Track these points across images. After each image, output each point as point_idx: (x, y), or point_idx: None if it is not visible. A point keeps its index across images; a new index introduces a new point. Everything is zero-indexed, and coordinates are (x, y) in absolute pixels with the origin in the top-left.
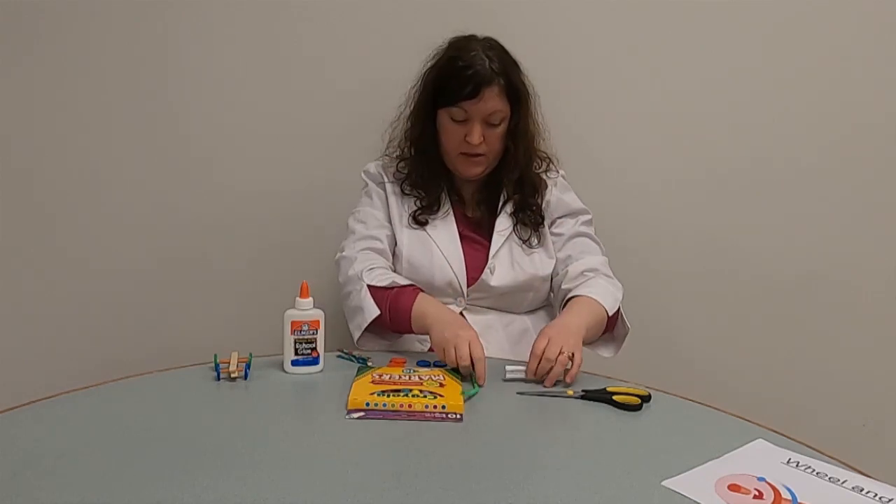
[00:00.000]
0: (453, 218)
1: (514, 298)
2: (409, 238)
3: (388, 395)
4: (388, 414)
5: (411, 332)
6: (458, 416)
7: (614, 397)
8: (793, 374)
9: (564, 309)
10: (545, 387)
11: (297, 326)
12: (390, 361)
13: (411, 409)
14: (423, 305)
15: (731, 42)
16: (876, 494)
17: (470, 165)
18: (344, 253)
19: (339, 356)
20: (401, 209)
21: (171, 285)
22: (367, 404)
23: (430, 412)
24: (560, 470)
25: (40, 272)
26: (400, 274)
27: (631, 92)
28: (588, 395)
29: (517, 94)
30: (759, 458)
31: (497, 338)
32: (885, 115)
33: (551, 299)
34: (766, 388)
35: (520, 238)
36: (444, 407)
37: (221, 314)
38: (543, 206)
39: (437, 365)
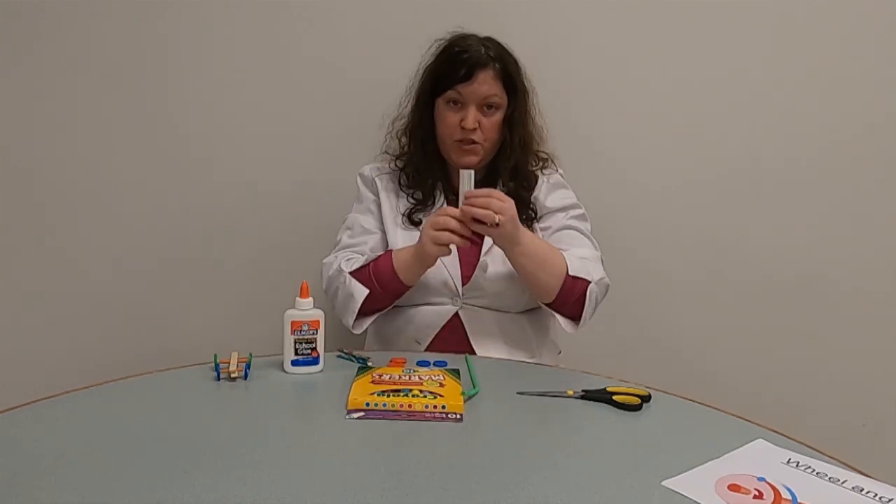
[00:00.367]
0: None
1: (510, 297)
2: (402, 238)
3: (388, 395)
4: (388, 414)
5: (405, 286)
6: (458, 416)
7: (614, 397)
8: (793, 374)
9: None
10: (461, 207)
11: (297, 326)
12: (390, 361)
13: (411, 409)
14: (400, 255)
15: (731, 42)
16: (876, 494)
17: (465, 153)
18: (324, 260)
19: (339, 356)
20: (394, 210)
21: (171, 285)
22: (367, 404)
23: (430, 412)
24: (560, 470)
25: (40, 272)
26: None
27: (632, 92)
28: (588, 395)
29: (513, 83)
30: (759, 458)
31: (493, 337)
32: (886, 115)
33: None
34: (766, 388)
35: None
36: (444, 407)
37: (221, 314)
38: (532, 200)
39: (437, 365)
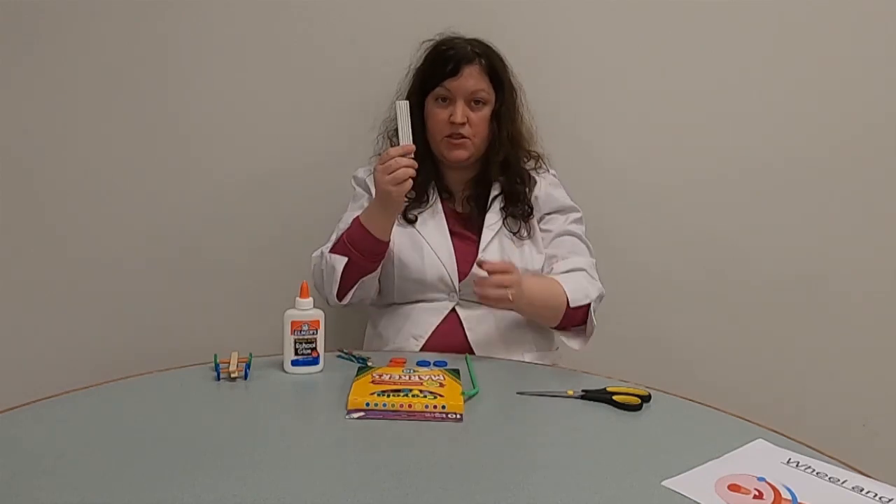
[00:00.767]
0: (442, 214)
1: None
2: (398, 236)
3: (388, 395)
4: (388, 414)
5: (381, 241)
6: (458, 416)
7: (614, 397)
8: (793, 374)
9: (536, 275)
10: (475, 293)
11: (297, 326)
12: (390, 361)
13: (411, 409)
14: (366, 213)
15: (731, 43)
16: (876, 494)
17: (454, 148)
18: (312, 255)
19: (339, 356)
20: None
21: (172, 285)
22: (367, 404)
23: (430, 412)
24: (560, 470)
25: (40, 272)
26: (391, 272)
27: (631, 93)
28: (588, 395)
29: (499, 78)
30: (759, 458)
31: (490, 331)
32: (886, 115)
33: None
34: (766, 388)
35: (510, 231)
36: (444, 407)
37: (221, 314)
38: (532, 200)
39: (437, 365)
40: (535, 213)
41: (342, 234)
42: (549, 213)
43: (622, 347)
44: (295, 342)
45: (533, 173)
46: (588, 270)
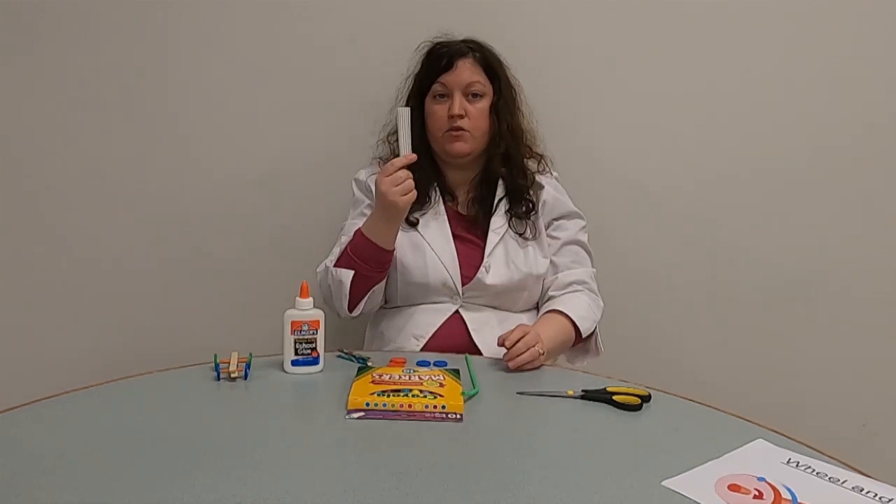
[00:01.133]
0: (445, 217)
1: (509, 297)
2: (400, 240)
3: (388, 395)
4: (388, 414)
5: (386, 251)
6: (458, 416)
7: (614, 397)
8: (793, 374)
9: (542, 319)
10: (509, 368)
11: (297, 326)
12: (390, 361)
13: (411, 409)
14: (368, 224)
15: (730, 43)
16: (876, 494)
17: (454, 141)
18: (317, 269)
19: (339, 356)
20: None
21: (172, 285)
22: (367, 404)
23: (430, 412)
24: (560, 470)
25: (40, 272)
26: (394, 276)
27: (632, 94)
28: (588, 395)
29: (494, 71)
30: (759, 458)
31: (493, 334)
32: (888, 116)
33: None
34: (766, 388)
35: (515, 232)
36: (444, 407)
37: (221, 314)
38: (540, 205)
39: (437, 365)
40: (543, 217)
41: (346, 247)
42: (556, 219)
43: (622, 347)
44: (295, 342)
45: (537, 175)
46: (589, 283)
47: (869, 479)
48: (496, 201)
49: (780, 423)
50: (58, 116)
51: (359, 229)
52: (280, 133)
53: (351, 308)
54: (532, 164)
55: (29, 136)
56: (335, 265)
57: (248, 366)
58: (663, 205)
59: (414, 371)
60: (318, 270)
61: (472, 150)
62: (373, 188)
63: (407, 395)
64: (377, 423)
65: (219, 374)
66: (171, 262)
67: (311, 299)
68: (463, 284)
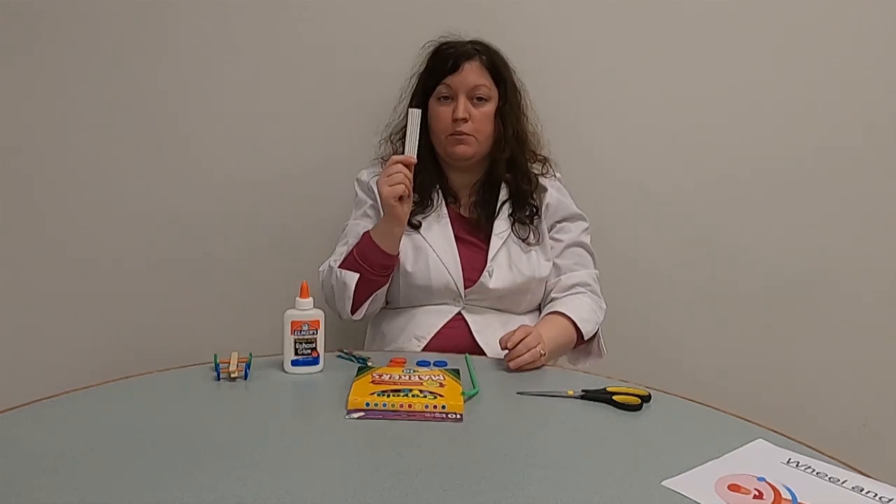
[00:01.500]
0: (448, 220)
1: (512, 300)
2: (403, 242)
3: (388, 395)
4: (388, 414)
5: (390, 255)
6: (458, 416)
7: (614, 397)
8: (793, 375)
9: (544, 320)
10: (510, 369)
11: (297, 326)
12: (390, 361)
13: (411, 409)
14: (375, 228)
15: (732, 45)
16: (876, 494)
17: (458, 144)
18: (319, 269)
19: (339, 356)
20: None
21: (172, 285)
22: (367, 404)
23: (430, 412)
24: (560, 470)
25: (40, 272)
26: (396, 278)
27: (632, 94)
28: (588, 395)
29: (500, 74)
30: (759, 458)
31: (496, 335)
32: (888, 115)
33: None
34: (766, 388)
35: (518, 237)
36: (444, 407)
37: (221, 314)
38: (544, 208)
39: (437, 365)
40: (546, 219)
41: (352, 248)
42: (559, 222)
43: (622, 347)
44: (295, 342)
45: (541, 178)
46: (592, 285)
47: (869, 479)
48: (499, 204)
49: (780, 423)
50: (58, 116)
51: (367, 232)
52: (280, 133)
53: (354, 311)
54: (536, 167)
55: (29, 137)
56: (340, 266)
57: (248, 366)
58: (663, 205)
59: (414, 371)
60: (320, 269)
61: (475, 153)
62: (374, 189)
63: (407, 395)
64: (377, 423)
65: (219, 374)
66: (171, 262)
67: (311, 299)
68: (465, 287)
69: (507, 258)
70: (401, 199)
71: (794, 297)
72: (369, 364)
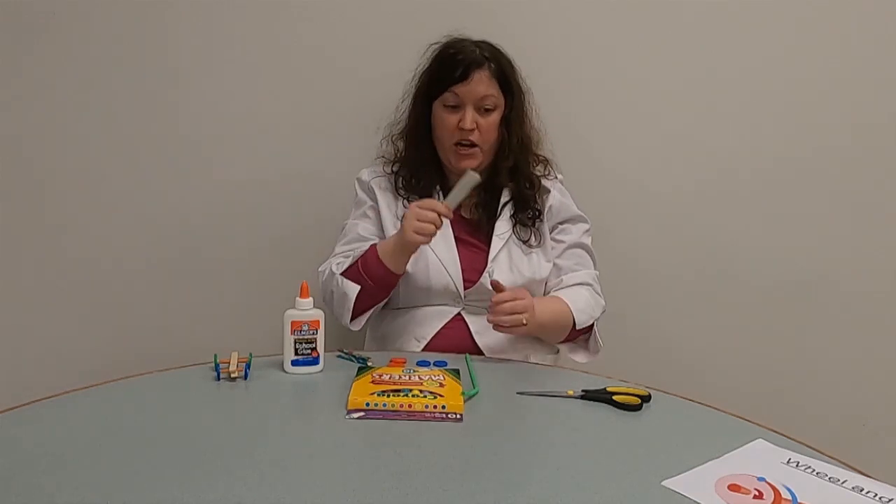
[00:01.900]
0: (448, 221)
1: None
2: None
3: (388, 395)
4: (388, 414)
5: (395, 275)
6: (458, 416)
7: (614, 397)
8: (793, 375)
9: (545, 298)
10: (489, 321)
11: (297, 326)
12: (390, 361)
13: (411, 409)
14: (384, 246)
15: (732, 45)
16: (876, 494)
17: (464, 158)
18: (319, 269)
19: (339, 356)
20: (393, 214)
21: (171, 285)
22: (367, 404)
23: (430, 412)
24: (560, 470)
25: (40, 272)
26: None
27: (632, 94)
28: (588, 395)
29: (508, 82)
30: (759, 458)
31: (495, 337)
32: (888, 115)
33: None
34: (766, 388)
35: (519, 239)
36: (444, 407)
37: (221, 314)
38: (546, 210)
39: (437, 365)
40: (548, 221)
41: (356, 259)
42: (561, 223)
43: (622, 347)
44: (295, 342)
45: (543, 180)
46: (593, 285)
47: (869, 479)
48: (501, 206)
49: (780, 423)
50: (58, 116)
51: (373, 245)
52: (280, 133)
53: (352, 320)
54: (538, 169)
55: (29, 137)
56: (342, 273)
57: (248, 366)
58: (663, 205)
59: (414, 371)
60: (320, 270)
61: (479, 164)
62: (374, 188)
63: (407, 395)
64: (377, 423)
65: (219, 374)
66: (171, 263)
67: (311, 299)
68: (465, 289)
69: (508, 259)
70: None
71: (794, 296)
72: (369, 364)
